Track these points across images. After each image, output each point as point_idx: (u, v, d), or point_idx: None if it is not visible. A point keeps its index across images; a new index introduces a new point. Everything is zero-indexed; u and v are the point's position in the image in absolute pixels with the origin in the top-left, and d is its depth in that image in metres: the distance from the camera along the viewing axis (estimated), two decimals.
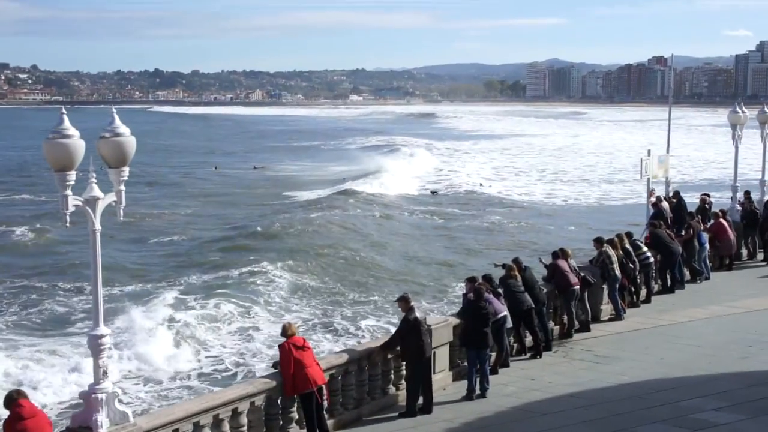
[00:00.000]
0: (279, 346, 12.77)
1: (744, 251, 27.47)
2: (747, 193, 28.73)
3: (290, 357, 12.36)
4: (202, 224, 49.50)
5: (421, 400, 14.05)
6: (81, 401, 10.26)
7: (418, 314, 14.22)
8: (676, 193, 26.08)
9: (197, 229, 47.49)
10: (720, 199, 30.03)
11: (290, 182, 71.55)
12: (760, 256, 27.11)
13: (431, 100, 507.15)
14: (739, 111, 28.45)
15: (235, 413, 11.72)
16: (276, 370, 12.65)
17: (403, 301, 14.31)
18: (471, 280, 15.91)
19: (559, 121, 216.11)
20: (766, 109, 30.40)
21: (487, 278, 16.57)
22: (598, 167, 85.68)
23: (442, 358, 15.28)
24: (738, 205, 27.89)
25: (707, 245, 24.55)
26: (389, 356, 14.33)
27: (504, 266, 17.49)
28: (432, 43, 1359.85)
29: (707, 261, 24.64)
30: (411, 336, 13.85)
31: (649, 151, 25.33)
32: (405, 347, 13.99)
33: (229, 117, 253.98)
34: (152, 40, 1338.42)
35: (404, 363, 14.31)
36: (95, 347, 10.10)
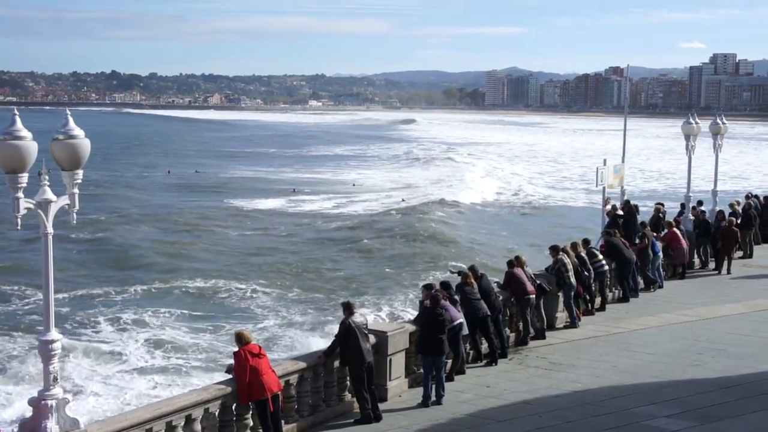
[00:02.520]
0: (234, 353, 12.66)
1: (696, 260, 27.90)
2: (699, 203, 29.23)
3: (246, 364, 12.26)
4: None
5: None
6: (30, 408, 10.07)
7: (358, 319, 14.13)
8: (626, 203, 26.39)
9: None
10: (673, 209, 30.38)
11: None
12: (712, 265, 27.55)
13: (390, 106, 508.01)
14: (693, 122, 28.93)
15: (189, 420, 11.59)
16: (230, 376, 12.54)
17: (345, 306, 14.25)
18: (428, 287, 15.90)
19: (531, 128, 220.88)
20: (718, 120, 30.99)
21: (444, 285, 16.61)
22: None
23: (398, 365, 15.27)
24: (691, 215, 28.32)
25: (661, 254, 24.87)
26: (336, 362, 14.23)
27: (460, 273, 17.56)
28: (392, 49, 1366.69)
29: (661, 269, 24.96)
30: (350, 341, 13.82)
31: (604, 161, 25.61)
32: (344, 353, 13.94)
33: (228, 122, 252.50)
34: (109, 41, 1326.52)
35: (346, 369, 14.21)
36: (45, 353, 9.93)
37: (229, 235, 48.25)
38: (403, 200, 64.28)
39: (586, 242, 21.96)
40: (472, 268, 17.76)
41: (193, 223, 51.78)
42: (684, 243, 25.97)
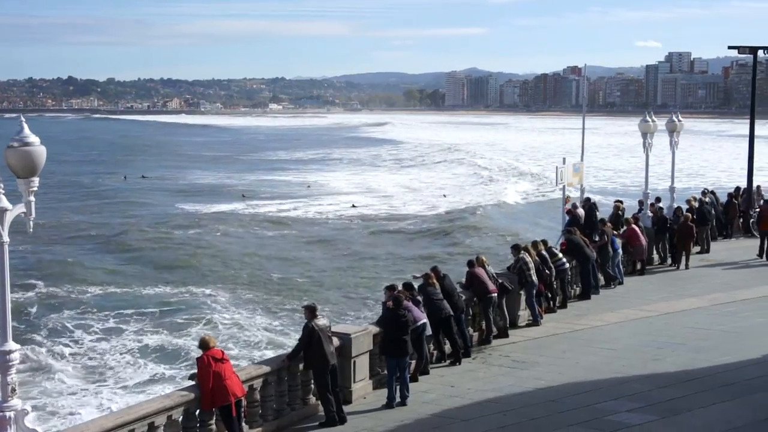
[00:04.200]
0: (197, 358, 12.57)
1: (655, 256, 28.25)
2: (657, 200, 29.60)
3: (209, 370, 12.18)
4: None
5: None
6: None
7: (322, 321, 14.08)
8: (587, 200, 26.68)
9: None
10: (632, 205, 30.72)
11: None
12: (670, 260, 27.93)
13: (351, 108, 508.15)
14: (650, 120, 29.33)
15: (152, 428, 11.48)
16: (193, 383, 12.45)
17: (308, 310, 14.20)
18: (390, 288, 15.89)
19: (503, 128, 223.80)
20: (674, 118, 31.48)
21: (407, 286, 16.62)
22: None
23: (362, 366, 15.26)
24: (649, 212, 28.67)
25: (620, 251, 25.14)
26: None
27: (423, 276, 17.57)
28: (353, 52, 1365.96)
29: (620, 266, 25.22)
30: (313, 344, 13.78)
31: (564, 159, 25.83)
32: (308, 356, 13.89)
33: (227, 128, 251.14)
34: (65, 46, 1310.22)
35: (311, 372, 14.17)
36: (3, 363, 9.76)
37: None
38: (444, 195, 69.41)
39: (544, 242, 22.08)
40: (434, 269, 17.81)
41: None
42: (643, 239, 26.29)
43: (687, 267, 27.12)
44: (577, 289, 23.30)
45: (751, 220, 32.67)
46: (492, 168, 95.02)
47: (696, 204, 30.04)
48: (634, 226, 26.30)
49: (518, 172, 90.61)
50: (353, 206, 63.31)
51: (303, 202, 66.53)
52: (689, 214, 28.26)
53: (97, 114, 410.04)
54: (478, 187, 76.72)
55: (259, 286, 35.53)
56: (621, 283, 24.78)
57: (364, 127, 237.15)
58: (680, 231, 27.28)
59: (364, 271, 38.56)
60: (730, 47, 37.24)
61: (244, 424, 12.77)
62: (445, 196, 69.37)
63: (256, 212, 60.41)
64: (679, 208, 29.33)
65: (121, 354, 26.02)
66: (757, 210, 31.35)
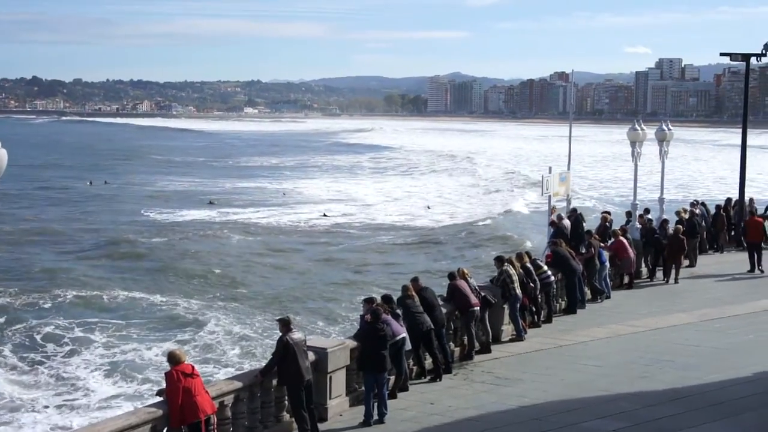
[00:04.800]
0: (165, 373, 12.48)
1: (644, 269, 28.39)
2: (646, 211, 29.78)
3: (178, 385, 12.10)
4: None
5: None
6: None
7: (297, 335, 14.04)
8: (573, 211, 26.78)
9: None
10: (620, 217, 30.92)
11: None
12: (660, 274, 28.02)
13: (330, 113, 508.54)
14: (639, 128, 29.57)
15: None
16: (161, 399, 12.37)
17: (282, 323, 14.16)
18: (368, 301, 15.86)
19: (490, 134, 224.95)
20: (664, 126, 31.70)
21: (387, 299, 16.59)
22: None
23: (338, 382, 15.23)
24: (638, 223, 28.83)
25: (608, 263, 25.25)
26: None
27: (402, 288, 17.54)
28: (331, 55, 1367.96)
29: (608, 279, 25.34)
30: (288, 358, 13.75)
31: (550, 168, 25.99)
32: (282, 371, 13.84)
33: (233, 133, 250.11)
34: (30, 45, 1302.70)
35: (285, 388, 14.12)
36: None
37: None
38: (428, 207, 68.17)
39: (529, 254, 22.12)
40: (414, 280, 17.80)
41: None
42: (631, 252, 26.41)
43: (677, 281, 27.30)
44: (563, 303, 23.38)
45: None
46: (484, 176, 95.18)
47: (686, 216, 30.22)
48: (622, 238, 26.44)
49: (512, 181, 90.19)
50: (324, 215, 63.11)
51: (277, 210, 66.50)
52: (680, 227, 28.36)
53: (66, 117, 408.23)
54: (475, 197, 76.49)
55: (228, 298, 35.39)
56: (608, 297, 24.89)
57: (345, 133, 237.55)
58: (671, 244, 27.44)
59: (331, 285, 38.43)
60: (722, 54, 37.58)
61: None
62: (429, 207, 68.12)
63: (227, 219, 60.33)
64: (665, 220, 29.36)
65: (87, 369, 25.79)
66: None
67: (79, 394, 23.64)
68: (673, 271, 27.43)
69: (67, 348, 27.94)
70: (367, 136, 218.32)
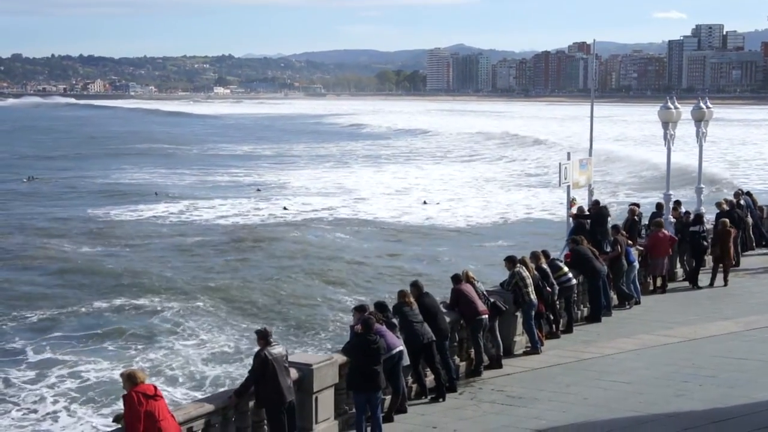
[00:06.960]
0: (123, 396, 12.48)
1: (679, 270, 28.40)
2: (677, 203, 29.67)
3: (139, 409, 12.11)
4: None
5: None
6: None
7: (277, 350, 14.04)
8: (596, 203, 26.58)
9: None
10: (650, 210, 30.78)
11: None
12: (704, 277, 27.83)
13: (313, 93, 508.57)
14: (671, 107, 29.61)
15: None
16: (119, 426, 12.39)
17: (260, 335, 14.17)
18: (359, 309, 15.87)
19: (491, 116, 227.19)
20: (701, 104, 31.65)
21: (380, 306, 16.62)
22: None
23: (325, 403, 15.24)
24: (671, 216, 28.82)
25: (637, 264, 25.22)
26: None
27: (398, 293, 17.54)
28: (315, 26, 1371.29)
29: (637, 282, 25.35)
30: (267, 376, 13.77)
31: (568, 155, 26.02)
32: (260, 391, 13.84)
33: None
34: None
35: (264, 411, 14.13)
36: None
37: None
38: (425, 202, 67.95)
39: (545, 254, 21.99)
40: (414, 284, 17.81)
41: None
42: (669, 250, 26.33)
43: (726, 283, 27.22)
44: (585, 310, 23.45)
45: None
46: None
47: (727, 207, 30.06)
48: (660, 233, 26.30)
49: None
50: (284, 209, 63.99)
51: (244, 204, 67.01)
52: (726, 220, 28.06)
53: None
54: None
55: (187, 309, 35.32)
56: (638, 302, 24.95)
57: (348, 116, 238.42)
58: (720, 239, 27.22)
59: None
60: None
61: None
62: (425, 203, 67.23)
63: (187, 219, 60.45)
64: (699, 214, 29.27)
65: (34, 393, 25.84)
66: None
67: (26, 419, 23.60)
68: (720, 273, 27.29)
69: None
70: (365, 119, 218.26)
